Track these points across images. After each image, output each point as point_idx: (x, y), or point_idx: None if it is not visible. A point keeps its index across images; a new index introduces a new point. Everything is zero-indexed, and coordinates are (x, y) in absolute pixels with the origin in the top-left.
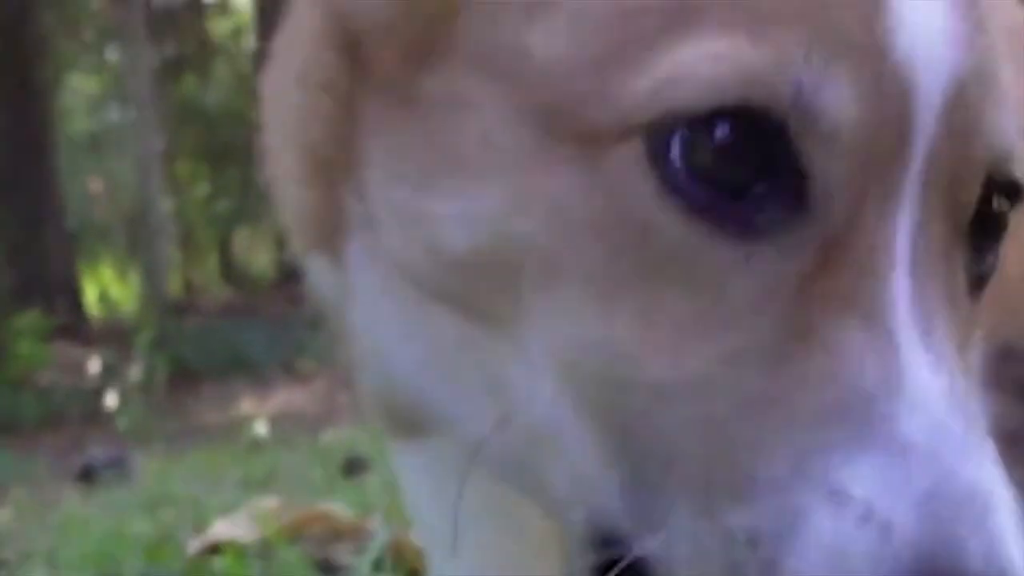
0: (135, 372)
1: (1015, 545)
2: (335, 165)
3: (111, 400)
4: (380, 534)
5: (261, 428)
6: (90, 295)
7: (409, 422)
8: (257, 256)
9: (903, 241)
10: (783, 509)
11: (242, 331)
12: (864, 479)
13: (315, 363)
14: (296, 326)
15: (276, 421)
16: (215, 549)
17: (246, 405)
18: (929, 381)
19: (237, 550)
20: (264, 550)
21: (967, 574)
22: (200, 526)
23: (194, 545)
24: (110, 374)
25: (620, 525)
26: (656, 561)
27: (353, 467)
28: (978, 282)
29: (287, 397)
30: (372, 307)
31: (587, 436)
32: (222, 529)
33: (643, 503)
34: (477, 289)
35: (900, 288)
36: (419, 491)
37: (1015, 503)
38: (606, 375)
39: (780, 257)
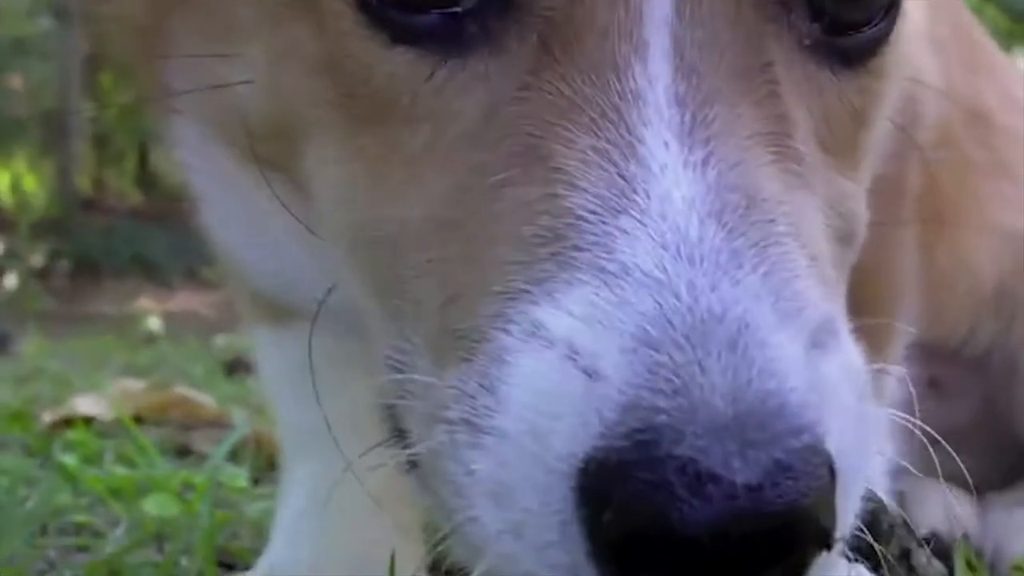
0: (37, 259)
1: (782, 374)
2: (150, 40)
3: (9, 281)
4: (241, 426)
5: (155, 324)
6: (2, 183)
7: (267, 307)
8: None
9: (659, 12)
10: (490, 357)
11: (149, 234)
12: (566, 314)
13: (219, 272)
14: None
15: (171, 320)
16: (71, 423)
17: (143, 303)
18: (674, 188)
19: (90, 425)
20: (121, 430)
21: (696, 409)
22: (62, 402)
23: (49, 416)
24: (12, 257)
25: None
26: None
27: (235, 367)
28: (852, 59)
29: (186, 301)
30: (208, 192)
31: (368, 299)
32: (80, 405)
33: (400, 348)
34: (277, 152)
35: (652, 76)
36: (278, 379)
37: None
38: (356, 223)
39: (498, 69)
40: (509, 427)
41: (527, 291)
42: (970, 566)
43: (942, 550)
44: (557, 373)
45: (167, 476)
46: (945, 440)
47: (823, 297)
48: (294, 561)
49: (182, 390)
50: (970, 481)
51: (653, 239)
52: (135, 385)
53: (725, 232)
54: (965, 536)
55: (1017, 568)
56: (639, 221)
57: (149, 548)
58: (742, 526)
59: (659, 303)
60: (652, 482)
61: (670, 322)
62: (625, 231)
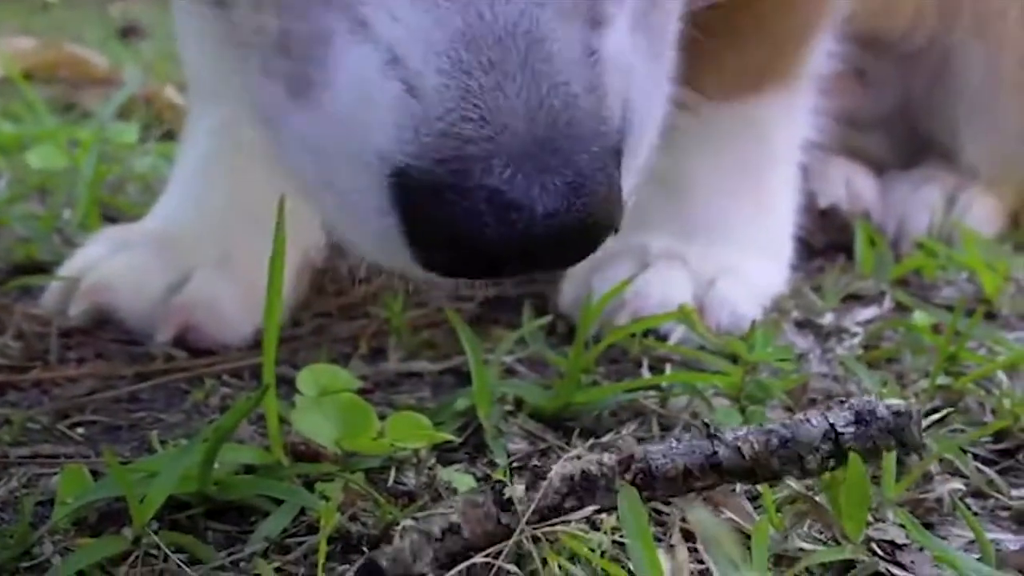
0: None
1: (567, 85)
2: None
3: None
4: (132, 83)
5: None
6: None
7: None
8: None
9: None
10: (315, 23)
11: None
12: (389, 19)
13: None
14: None
15: None
16: None
17: None
18: None
19: None
20: (10, 87)
21: (499, 134)
22: None
23: None
24: None
25: None
26: None
27: (130, 31)
28: None
29: None
30: None
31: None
32: None
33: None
34: None
35: None
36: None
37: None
38: None
39: None
40: (331, 107)
41: None
42: (871, 242)
43: (842, 224)
44: (379, 74)
45: (54, 131)
46: (856, 125)
47: None
48: (191, 207)
49: (74, 49)
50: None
51: None
52: (26, 43)
53: None
54: (866, 212)
55: (919, 244)
56: None
57: (32, 201)
58: (542, 244)
59: (467, 23)
60: (464, 208)
61: (477, 44)
62: None
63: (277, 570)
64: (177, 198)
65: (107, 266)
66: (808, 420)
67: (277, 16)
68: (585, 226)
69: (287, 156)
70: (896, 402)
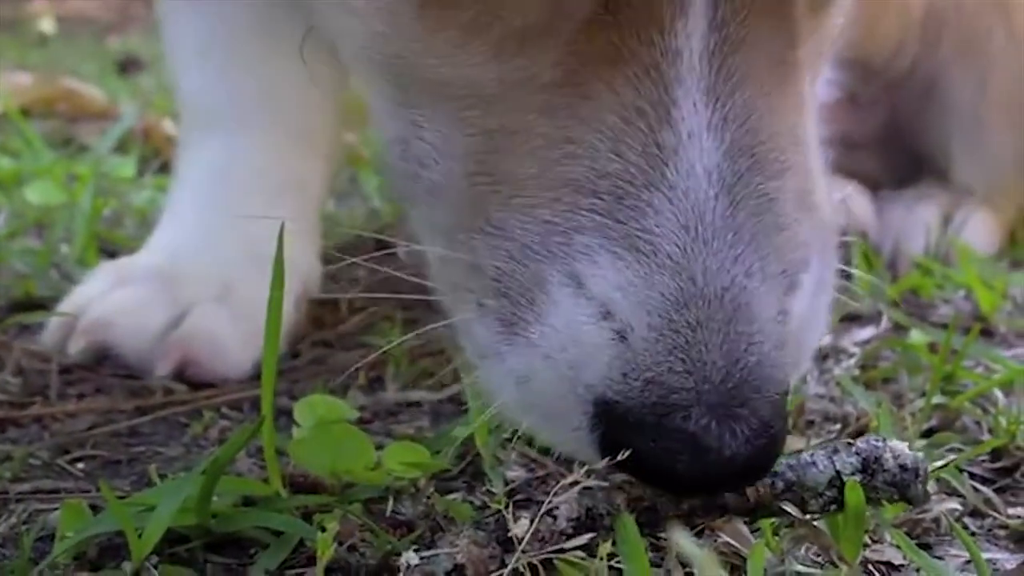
0: None
1: (761, 345)
2: None
3: None
4: (129, 117)
5: (47, 25)
6: None
7: None
8: None
9: None
10: (532, 270)
11: None
12: (602, 275)
13: None
14: None
15: (65, 22)
16: None
17: (36, 4)
18: (698, 161)
19: None
20: (8, 123)
21: (699, 387)
22: None
23: None
24: None
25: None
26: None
27: (128, 66)
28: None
29: (80, 2)
30: None
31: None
32: None
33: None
34: None
35: (690, 32)
36: (184, 45)
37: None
38: (391, 52)
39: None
40: (545, 342)
41: (567, 234)
42: (867, 262)
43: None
44: (593, 324)
45: (51, 166)
46: (849, 147)
47: (802, 233)
48: (189, 241)
49: (71, 83)
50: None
51: (678, 220)
52: (23, 79)
53: (731, 207)
54: (863, 231)
55: (916, 264)
56: (669, 200)
57: (30, 236)
58: (722, 480)
59: (680, 286)
60: (663, 447)
61: (687, 306)
62: (657, 210)
63: None
64: (173, 231)
65: (106, 302)
66: (814, 463)
67: (494, 259)
68: (759, 464)
69: (500, 389)
70: (904, 451)
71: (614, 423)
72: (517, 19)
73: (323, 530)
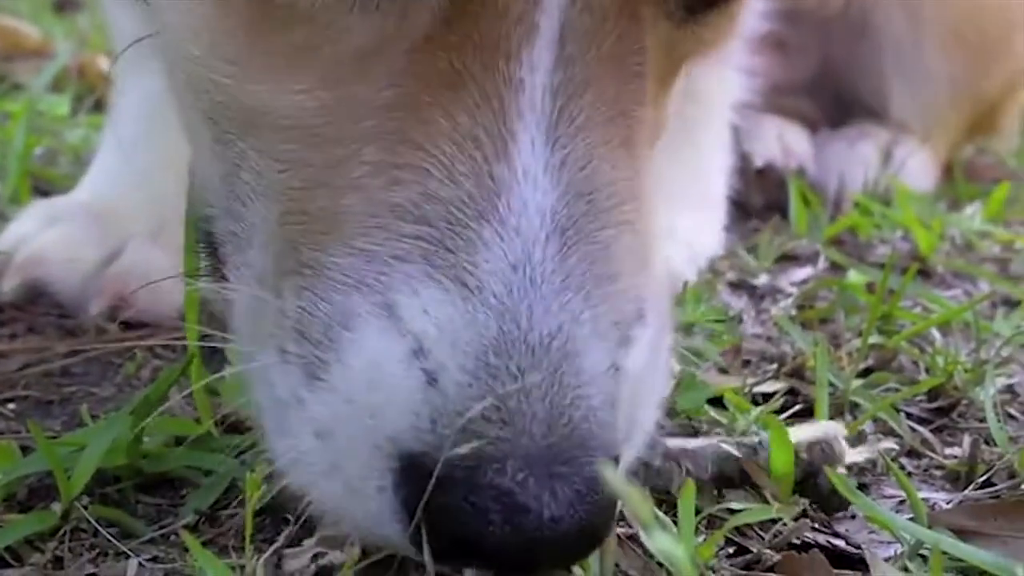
0: None
1: (588, 402)
2: None
3: None
4: (64, 55)
5: None
6: None
7: None
8: None
9: (551, 5)
10: (338, 306)
11: None
12: (420, 306)
13: None
14: None
15: None
16: None
17: None
18: (531, 199)
19: None
20: None
21: (518, 439)
22: None
23: None
24: None
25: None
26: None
27: (64, 3)
28: (696, 49)
29: None
30: None
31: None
32: None
33: (230, 234)
34: None
35: (535, 64)
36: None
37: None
38: (212, 84)
39: (402, 12)
40: (346, 389)
41: (387, 263)
42: (804, 201)
43: (779, 182)
44: (402, 363)
45: None
46: (783, 89)
47: (637, 287)
48: (123, 178)
49: (5, 21)
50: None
51: (507, 258)
52: None
53: (563, 250)
54: (801, 168)
55: (855, 204)
56: (499, 235)
57: None
58: (543, 548)
59: (503, 329)
60: (472, 504)
61: (508, 352)
62: (486, 244)
63: (207, 542)
64: (107, 169)
65: (39, 240)
66: None
67: (299, 299)
68: (586, 532)
69: (296, 442)
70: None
71: (420, 480)
72: (351, 40)
73: (253, 471)
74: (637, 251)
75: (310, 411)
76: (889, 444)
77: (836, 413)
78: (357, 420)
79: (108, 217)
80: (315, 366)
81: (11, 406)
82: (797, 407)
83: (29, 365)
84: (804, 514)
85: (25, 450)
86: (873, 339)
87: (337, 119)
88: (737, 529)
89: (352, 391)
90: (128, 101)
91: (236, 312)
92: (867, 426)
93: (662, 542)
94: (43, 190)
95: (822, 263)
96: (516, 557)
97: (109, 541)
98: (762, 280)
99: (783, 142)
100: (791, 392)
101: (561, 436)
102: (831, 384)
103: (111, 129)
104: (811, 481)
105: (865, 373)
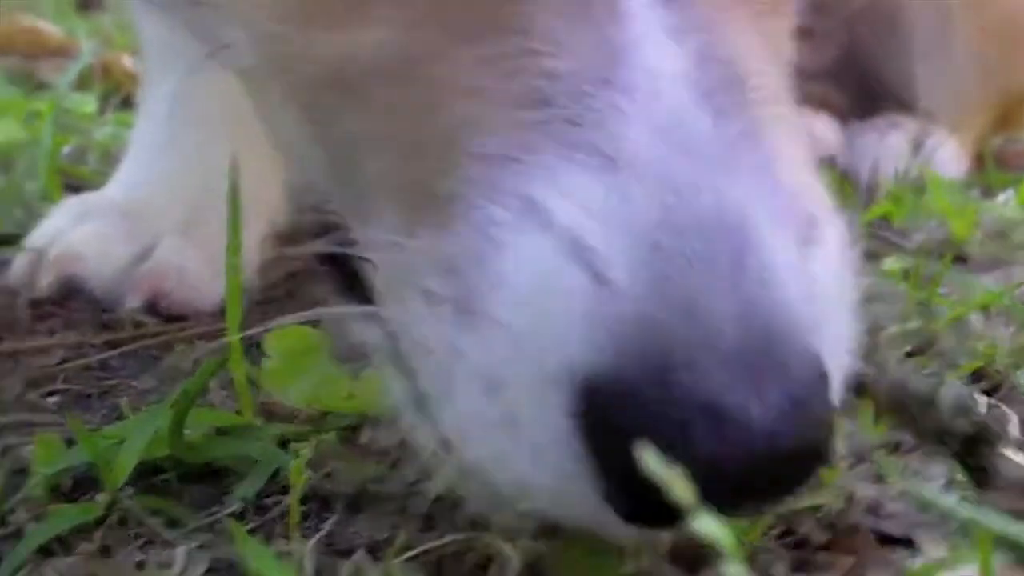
0: None
1: (783, 290)
2: None
3: None
4: (89, 54)
5: None
6: None
7: None
8: None
9: None
10: (479, 230)
11: None
12: (567, 200)
13: None
14: None
15: None
16: None
17: None
18: (663, 60)
19: None
20: None
21: (709, 336)
22: None
23: None
24: None
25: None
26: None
27: (88, 3)
28: None
29: None
30: None
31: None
32: None
33: (349, 200)
34: None
35: None
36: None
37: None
38: (288, 56)
39: None
40: (507, 317)
41: (516, 160)
42: (838, 189)
43: None
44: (560, 266)
45: (11, 103)
46: (809, 76)
47: (805, 184)
48: (154, 174)
49: (29, 20)
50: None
51: (650, 123)
52: None
53: (718, 117)
54: (831, 157)
55: (888, 192)
56: (632, 98)
57: None
58: (757, 468)
59: (666, 204)
60: (670, 420)
61: (678, 230)
62: (620, 109)
63: (253, 530)
64: (138, 166)
65: (72, 236)
66: None
67: (434, 231)
68: (809, 450)
69: (463, 403)
70: None
71: (604, 405)
72: None
73: (297, 457)
74: (793, 145)
75: (472, 360)
76: None
77: None
78: (526, 353)
79: (140, 213)
80: (467, 300)
81: (53, 399)
82: None
83: (68, 360)
84: (851, 498)
85: (68, 443)
86: (913, 325)
87: (427, 37)
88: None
89: (513, 318)
90: (156, 100)
91: (373, 276)
92: None
93: (706, 525)
94: (74, 187)
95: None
96: (730, 484)
97: (155, 530)
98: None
99: (813, 132)
100: None
101: (759, 331)
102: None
103: (140, 127)
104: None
105: (906, 357)
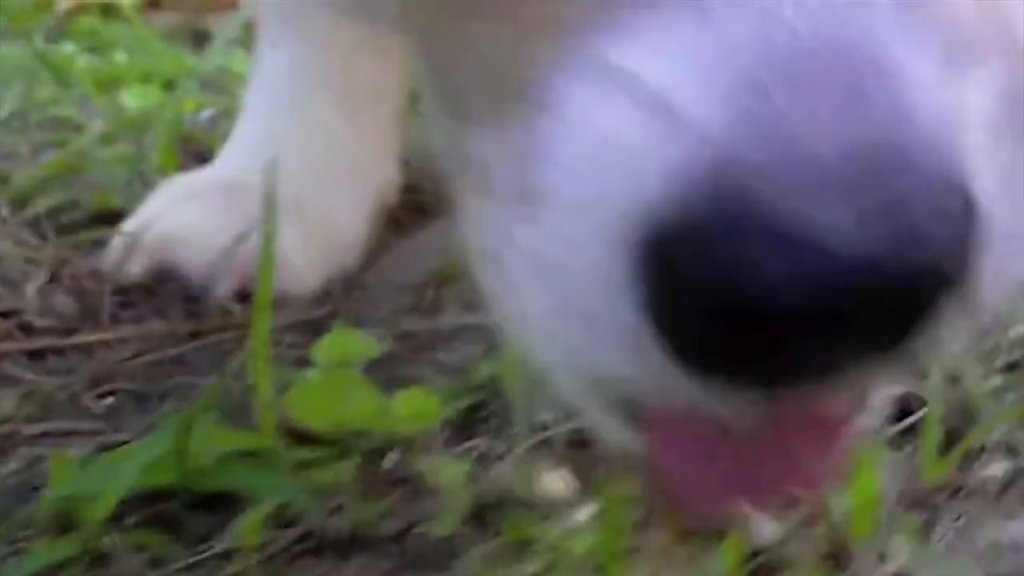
0: None
1: (908, 101)
2: None
3: None
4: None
5: None
6: None
7: None
8: None
9: None
10: (548, 110)
11: None
12: (652, 53)
13: None
14: None
15: None
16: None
17: None
18: None
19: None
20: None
21: (805, 165)
22: None
23: (65, 3)
24: None
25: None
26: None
27: None
28: None
29: None
30: None
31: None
32: None
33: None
34: None
35: None
36: None
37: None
38: None
39: None
40: (561, 184)
41: (592, 26)
42: None
43: None
44: (628, 118)
45: (155, 65)
46: None
47: (972, 20)
48: (256, 150)
49: None
50: None
51: None
52: None
53: None
54: None
55: None
56: None
57: (126, 142)
58: (852, 302)
59: (768, 35)
60: (738, 254)
61: (779, 62)
62: None
63: (239, 573)
64: (245, 141)
65: (171, 219)
66: None
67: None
68: (921, 278)
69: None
70: None
71: (664, 247)
72: None
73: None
74: None
75: (520, 240)
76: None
77: None
78: (583, 217)
79: (241, 193)
80: (528, 181)
81: (107, 401)
82: None
83: (139, 354)
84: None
85: (105, 448)
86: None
87: None
88: None
89: (569, 187)
90: (268, 71)
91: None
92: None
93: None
94: (204, 157)
95: None
96: (815, 325)
97: (136, 570)
98: None
99: None
100: None
101: (869, 150)
102: None
103: (253, 96)
104: None
105: (1010, 368)
